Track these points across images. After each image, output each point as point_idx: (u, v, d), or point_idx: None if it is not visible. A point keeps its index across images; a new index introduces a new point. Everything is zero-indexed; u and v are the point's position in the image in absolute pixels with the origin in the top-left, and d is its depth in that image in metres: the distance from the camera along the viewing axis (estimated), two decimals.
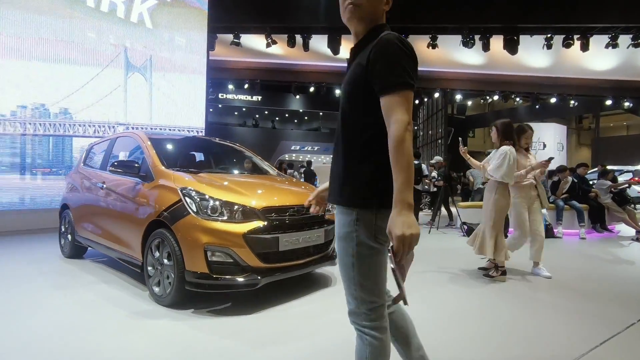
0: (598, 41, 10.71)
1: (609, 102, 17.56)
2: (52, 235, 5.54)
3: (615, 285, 3.78)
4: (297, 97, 22.51)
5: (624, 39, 10.65)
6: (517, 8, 10.25)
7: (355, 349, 1.31)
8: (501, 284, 3.74)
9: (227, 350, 2.23)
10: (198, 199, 2.74)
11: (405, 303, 1.16)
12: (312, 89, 16.66)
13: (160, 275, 2.89)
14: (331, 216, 3.50)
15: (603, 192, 7.59)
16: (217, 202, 2.75)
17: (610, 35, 10.49)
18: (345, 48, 12.67)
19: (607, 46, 10.71)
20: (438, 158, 8.41)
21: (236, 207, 2.76)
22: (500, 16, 10.40)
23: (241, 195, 2.87)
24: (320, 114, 25.61)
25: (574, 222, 7.12)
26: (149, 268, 3.00)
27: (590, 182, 8.11)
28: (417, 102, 22.51)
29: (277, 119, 27.08)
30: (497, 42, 10.88)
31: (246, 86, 17.50)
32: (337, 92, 18.57)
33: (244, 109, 25.70)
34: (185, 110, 8.73)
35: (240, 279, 2.66)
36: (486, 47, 10.91)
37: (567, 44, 10.74)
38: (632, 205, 7.76)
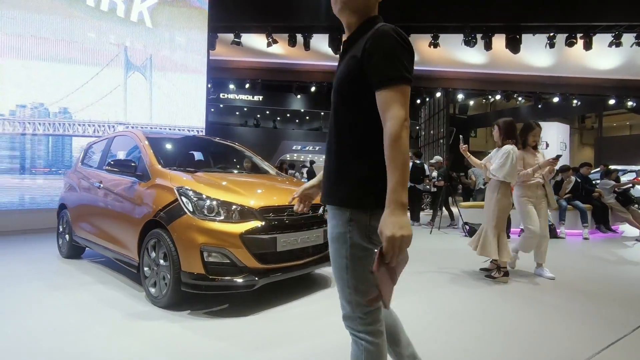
0: (601, 40, 10.62)
1: (612, 102, 17.44)
2: (52, 235, 5.50)
3: (619, 287, 3.72)
4: (299, 96, 22.48)
5: (628, 38, 10.56)
6: (519, 6, 10.18)
7: (350, 355, 1.26)
8: (503, 285, 3.68)
9: (223, 353, 2.19)
10: (194, 199, 2.70)
11: (386, 306, 1.10)
12: (313, 89, 16.61)
13: (156, 276, 2.85)
14: None
15: (607, 192, 7.52)
16: (214, 202, 2.70)
17: (613, 34, 10.40)
18: None
19: (610, 45, 10.62)
20: (438, 158, 8.33)
21: (233, 206, 2.71)
22: (502, 15, 10.33)
23: (238, 195, 2.83)
24: (322, 113, 25.54)
25: (577, 222, 7.04)
26: (145, 269, 2.95)
27: (594, 182, 8.04)
28: (418, 101, 22.43)
29: (278, 118, 27.03)
30: (499, 41, 10.80)
31: (247, 86, 17.48)
32: None
33: (245, 109, 25.66)
34: (185, 109, 8.70)
35: (237, 280, 2.61)
36: (488, 46, 10.84)
37: (570, 43, 10.66)
38: (636, 206, 7.68)
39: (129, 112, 7.85)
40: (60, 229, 4.55)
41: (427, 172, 8.30)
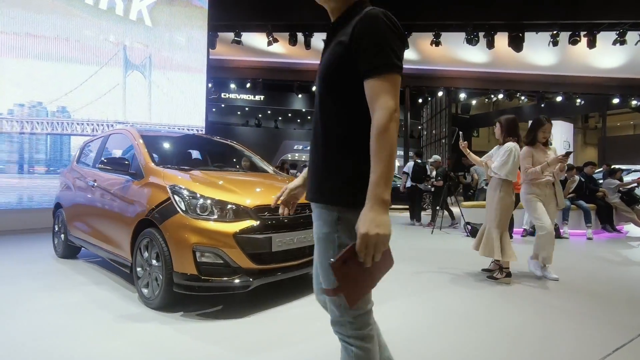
0: (605, 38, 10.50)
1: (616, 101, 17.29)
2: (49, 235, 5.46)
3: (625, 288, 3.62)
4: (300, 96, 22.42)
5: (632, 36, 10.43)
6: (522, 4, 10.08)
7: None
8: (506, 286, 3.59)
9: (216, 356, 2.11)
10: (187, 197, 2.63)
11: (349, 306, 1.04)
12: (314, 88, 16.52)
13: (148, 277, 2.78)
14: None
15: (611, 192, 7.42)
16: (207, 201, 2.63)
17: (618, 32, 10.28)
18: None
19: (614, 43, 10.49)
20: (436, 157, 8.23)
21: (227, 205, 2.64)
22: (505, 13, 10.23)
23: (233, 194, 2.76)
24: None
25: (581, 222, 6.94)
26: (138, 269, 2.89)
27: (598, 182, 7.93)
28: (420, 101, 22.32)
29: (279, 118, 26.99)
30: (501, 40, 10.70)
31: (248, 85, 17.43)
32: None
33: (246, 109, 25.64)
34: (185, 109, 8.64)
35: (231, 281, 2.54)
36: (490, 45, 10.74)
37: (573, 41, 10.54)
38: None
39: (128, 111, 7.80)
40: (56, 229, 4.50)
41: (429, 172, 8.19)
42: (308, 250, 2.96)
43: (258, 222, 2.66)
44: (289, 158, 23.11)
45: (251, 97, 23.73)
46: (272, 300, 2.97)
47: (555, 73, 15.64)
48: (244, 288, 2.57)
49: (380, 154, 0.99)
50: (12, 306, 2.79)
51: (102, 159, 3.23)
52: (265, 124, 25.91)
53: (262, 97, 23.72)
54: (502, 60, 14.14)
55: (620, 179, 7.75)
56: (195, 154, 4.35)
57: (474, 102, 23.64)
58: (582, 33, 10.43)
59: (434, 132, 23.54)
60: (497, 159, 3.68)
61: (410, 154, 9.57)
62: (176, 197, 2.65)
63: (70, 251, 4.28)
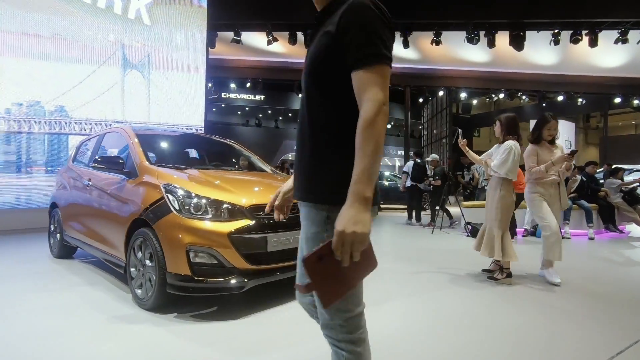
0: (607, 37, 10.43)
1: (617, 100, 17.21)
2: (46, 234, 5.42)
3: (627, 289, 3.57)
4: (300, 96, 22.35)
5: (634, 34, 10.36)
6: (523, 3, 10.01)
7: None
8: (507, 287, 3.54)
9: (210, 359, 2.06)
10: (181, 196, 2.58)
11: (323, 305, 0.98)
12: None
13: (142, 277, 2.73)
14: None
15: (613, 191, 7.36)
16: (202, 200, 2.58)
17: (619, 31, 10.21)
18: None
19: (616, 41, 10.42)
20: (434, 156, 8.16)
21: (222, 205, 2.59)
22: (505, 11, 10.16)
23: (228, 193, 2.71)
24: None
25: (582, 222, 6.88)
26: (132, 269, 2.84)
27: (599, 181, 7.87)
28: (421, 100, 22.26)
29: (280, 118, 26.94)
30: (502, 39, 10.64)
31: (248, 85, 17.38)
32: None
33: (247, 109, 25.61)
34: (184, 108, 8.60)
35: (226, 282, 2.49)
36: (491, 44, 10.67)
37: (575, 40, 10.47)
38: None
39: (127, 110, 7.76)
40: (52, 229, 4.46)
41: (429, 172, 8.13)
42: None
43: (254, 222, 2.62)
44: (290, 158, 23.05)
45: (251, 97, 23.69)
46: (268, 302, 2.92)
47: (556, 72, 15.56)
48: (239, 289, 2.52)
49: (365, 148, 0.94)
50: (4, 307, 2.75)
51: (96, 157, 3.19)
52: (265, 124, 25.87)
53: (262, 96, 23.69)
54: (503, 59, 14.08)
55: (621, 179, 7.69)
56: (193, 153, 4.31)
57: (474, 101, 23.58)
58: (584, 32, 10.36)
59: (434, 131, 23.48)
60: (497, 157, 3.63)
61: (411, 153, 9.51)
62: (170, 196, 2.60)
63: (65, 251, 4.24)
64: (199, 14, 8.87)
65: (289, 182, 1.39)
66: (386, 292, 3.32)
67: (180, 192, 2.61)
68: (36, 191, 6.68)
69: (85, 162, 4.08)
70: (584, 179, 7.26)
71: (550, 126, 3.72)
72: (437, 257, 4.93)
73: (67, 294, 3.06)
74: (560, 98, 17.34)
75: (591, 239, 6.58)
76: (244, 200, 2.69)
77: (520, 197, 5.87)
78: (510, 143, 3.58)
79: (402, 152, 18.66)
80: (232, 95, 23.48)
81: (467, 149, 3.89)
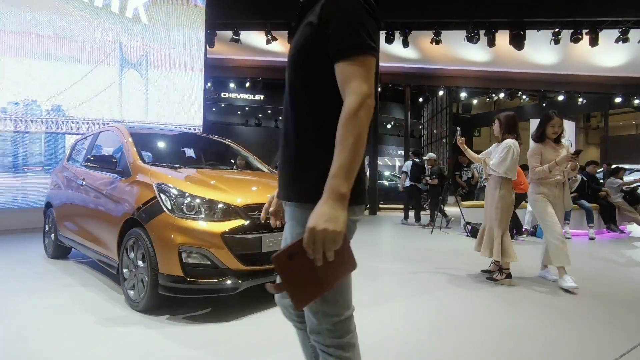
0: (608, 36, 10.38)
1: (618, 100, 17.15)
2: (41, 234, 5.38)
3: (629, 290, 3.52)
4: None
5: (635, 34, 10.31)
6: (523, 2, 9.97)
7: None
8: (506, 288, 3.49)
9: None
10: (173, 196, 2.53)
11: (295, 307, 0.94)
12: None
13: (134, 278, 2.68)
14: None
15: (614, 191, 7.31)
16: (195, 200, 2.53)
17: (620, 30, 10.16)
18: None
19: (617, 41, 10.37)
20: (431, 155, 8.11)
21: (215, 204, 2.54)
22: (505, 10, 10.11)
23: (222, 192, 2.66)
24: None
25: (583, 222, 6.83)
26: (125, 270, 2.79)
27: (600, 181, 7.82)
28: (421, 100, 22.20)
29: (280, 118, 26.85)
30: (502, 38, 10.59)
31: (248, 85, 17.34)
32: None
33: (246, 108, 25.55)
34: (182, 107, 8.55)
35: (219, 283, 2.44)
36: (491, 43, 10.63)
37: (575, 39, 10.42)
38: None
39: (125, 109, 7.71)
40: (46, 229, 4.41)
41: (427, 172, 8.08)
42: None
43: (248, 222, 2.57)
44: None
45: (251, 97, 23.63)
46: (263, 303, 2.87)
47: (556, 72, 15.51)
48: (232, 290, 2.47)
49: (344, 142, 0.89)
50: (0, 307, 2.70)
51: (89, 156, 3.14)
52: (265, 124, 25.80)
53: (262, 96, 23.62)
54: (503, 58, 14.03)
55: (621, 179, 7.64)
56: (189, 152, 4.27)
57: (475, 101, 23.52)
58: (584, 31, 10.30)
59: (434, 131, 23.43)
60: (496, 156, 3.57)
61: (410, 153, 9.45)
62: (162, 196, 2.55)
63: (60, 252, 4.20)
64: (197, 13, 8.82)
65: None
66: (385, 293, 3.28)
67: (173, 192, 2.56)
68: (32, 191, 6.64)
69: (80, 161, 4.03)
70: (585, 179, 7.21)
71: (553, 123, 3.59)
72: (436, 257, 4.88)
73: (58, 295, 3.02)
74: (560, 98, 17.30)
75: (592, 239, 6.53)
76: (239, 199, 2.64)
77: (519, 197, 5.83)
78: (509, 142, 3.52)
79: (402, 152, 18.59)
80: (232, 95, 23.43)
81: (466, 147, 3.84)
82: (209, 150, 4.37)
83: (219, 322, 2.51)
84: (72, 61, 7.02)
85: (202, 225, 2.45)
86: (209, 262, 2.42)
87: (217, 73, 16.42)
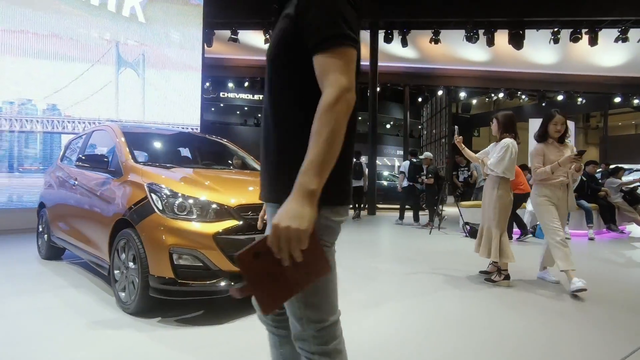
0: (607, 35, 10.35)
1: (617, 100, 17.12)
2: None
3: (629, 292, 3.47)
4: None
5: (635, 33, 10.28)
6: (522, 1, 9.93)
7: None
8: (505, 289, 3.44)
9: None
10: (164, 196, 2.48)
11: (262, 311, 0.90)
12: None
13: (126, 280, 2.63)
14: None
15: (613, 191, 7.26)
16: (186, 200, 2.48)
17: (620, 29, 10.13)
18: None
19: (616, 40, 10.34)
20: (427, 154, 8.07)
21: (207, 204, 2.49)
22: (505, 10, 10.08)
23: (215, 192, 2.61)
24: None
25: (582, 222, 6.78)
26: (116, 272, 2.74)
27: (599, 181, 7.78)
28: (420, 99, 22.17)
29: None
30: (502, 37, 10.56)
31: (246, 84, 17.30)
32: None
33: (245, 108, 25.51)
34: (180, 107, 8.49)
35: (211, 285, 2.39)
36: (490, 42, 10.60)
37: (574, 38, 10.40)
38: None
39: (121, 109, 7.65)
40: (40, 229, 4.36)
41: (425, 171, 8.04)
42: None
43: (241, 222, 2.51)
44: None
45: (250, 97, 23.60)
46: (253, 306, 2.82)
47: (556, 72, 15.49)
48: (225, 292, 2.42)
49: (317, 137, 0.84)
50: None
51: (80, 155, 3.09)
52: None
53: (260, 96, 23.56)
54: (503, 58, 14.00)
55: (620, 179, 7.61)
56: (185, 151, 4.22)
57: (474, 101, 23.48)
58: (584, 30, 10.27)
59: (434, 131, 23.40)
60: (494, 156, 3.52)
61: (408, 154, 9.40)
62: (153, 196, 2.50)
63: (53, 252, 4.14)
64: (194, 12, 8.76)
65: None
66: (383, 294, 3.24)
67: (165, 192, 2.51)
68: (28, 191, 6.58)
69: (73, 161, 3.98)
70: (584, 179, 7.16)
71: (556, 121, 3.44)
72: (435, 257, 4.83)
73: (50, 296, 2.96)
74: (560, 97, 17.28)
75: (591, 239, 6.49)
76: (232, 200, 2.59)
77: (518, 198, 5.79)
78: (508, 141, 3.48)
79: (402, 152, 18.55)
80: (231, 95, 23.39)
81: (463, 146, 3.79)
82: (204, 150, 4.31)
83: (211, 325, 2.46)
84: (68, 60, 6.96)
85: (194, 226, 2.40)
86: (200, 264, 2.37)
87: (216, 73, 16.38)
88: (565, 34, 10.49)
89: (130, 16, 7.78)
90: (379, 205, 11.89)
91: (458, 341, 2.33)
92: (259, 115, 25.81)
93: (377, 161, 12.33)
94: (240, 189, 2.87)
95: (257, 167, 4.07)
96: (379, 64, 11.25)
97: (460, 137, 3.74)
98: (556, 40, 10.64)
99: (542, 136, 3.53)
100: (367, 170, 9.82)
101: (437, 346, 2.26)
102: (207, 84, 17.52)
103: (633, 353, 2.18)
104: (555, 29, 10.44)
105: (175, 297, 2.40)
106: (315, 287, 0.97)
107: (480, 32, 10.54)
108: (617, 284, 3.75)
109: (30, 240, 5.21)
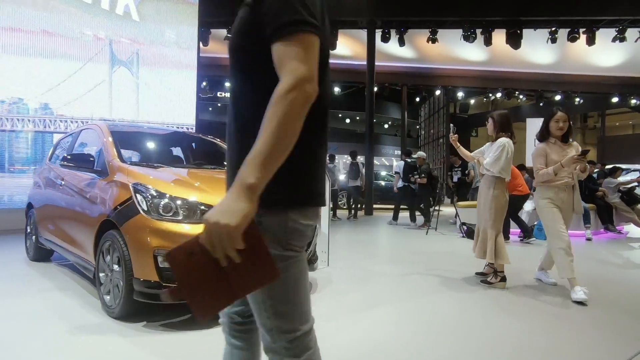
0: (605, 35, 10.32)
1: (615, 100, 17.12)
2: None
3: (628, 294, 3.42)
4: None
5: (632, 33, 10.25)
6: (520, 0, 9.88)
7: None
8: (501, 291, 3.38)
9: None
10: (149, 196, 2.40)
11: (197, 319, 0.82)
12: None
13: (111, 283, 2.56)
14: None
15: (611, 191, 7.22)
16: (173, 200, 2.40)
17: (617, 29, 10.10)
18: (342, 43, 12.33)
19: (614, 40, 10.31)
20: (420, 153, 8.01)
21: (194, 205, 2.41)
22: (502, 9, 10.03)
23: (202, 193, 2.53)
24: None
25: (579, 222, 6.73)
26: (101, 274, 2.66)
27: (597, 182, 7.73)
28: (417, 99, 22.12)
29: None
30: (499, 37, 10.51)
31: None
32: (337, 89, 18.25)
33: None
34: (175, 106, 8.40)
35: None
36: (488, 42, 10.55)
37: (572, 38, 10.36)
38: None
39: (115, 108, 7.56)
40: (28, 230, 4.27)
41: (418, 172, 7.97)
42: None
43: None
44: None
45: None
46: None
47: (554, 72, 15.47)
48: None
49: (265, 127, 0.77)
50: None
51: (65, 155, 3.01)
52: None
53: None
54: (500, 58, 13.96)
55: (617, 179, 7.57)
56: (177, 151, 4.14)
57: (472, 101, 23.43)
58: (581, 30, 10.24)
59: (432, 131, 23.36)
60: (490, 155, 3.46)
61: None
62: (138, 196, 2.42)
63: (41, 254, 4.06)
64: (189, 11, 8.68)
65: None
66: (378, 296, 3.18)
67: (150, 192, 2.43)
68: (19, 191, 6.48)
69: (59, 160, 3.90)
70: (582, 179, 7.12)
71: (557, 118, 3.26)
72: (430, 258, 4.77)
73: (34, 299, 2.88)
74: (557, 97, 17.25)
75: (589, 239, 6.44)
76: (219, 199, 2.50)
77: (518, 200, 5.73)
78: (504, 140, 3.41)
79: (399, 152, 18.51)
80: (228, 94, 23.33)
81: (459, 144, 3.72)
82: (196, 149, 4.23)
83: (198, 330, 2.38)
84: (60, 58, 6.86)
85: (180, 227, 2.32)
86: None
87: (213, 72, 16.29)
88: (562, 33, 10.46)
89: (124, 14, 7.69)
90: (377, 206, 11.83)
91: (454, 345, 2.27)
92: None
93: (375, 161, 12.27)
94: None
95: None
96: (377, 63, 11.19)
97: (456, 135, 3.67)
98: (554, 40, 10.60)
99: (544, 135, 3.35)
100: (364, 168, 9.76)
101: (433, 350, 2.20)
102: (204, 83, 17.42)
103: (634, 357, 2.12)
104: (553, 29, 10.41)
105: (161, 301, 2.32)
106: (285, 295, 0.90)
107: (478, 31, 10.49)
108: (615, 285, 3.69)
109: (20, 241, 5.13)
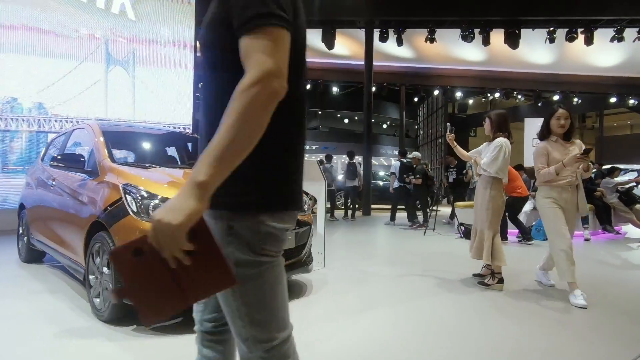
0: (603, 35, 10.30)
1: (613, 100, 17.12)
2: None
3: (628, 295, 3.38)
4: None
5: (630, 33, 10.23)
6: (518, 0, 9.86)
7: None
8: (498, 293, 3.34)
9: None
10: (140, 198, 2.35)
11: (143, 323, 0.80)
12: (308, 87, 16.28)
13: (100, 286, 2.50)
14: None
15: (609, 191, 7.19)
16: (163, 201, 2.36)
17: (615, 29, 10.08)
18: (341, 43, 12.29)
19: (612, 40, 10.29)
20: (415, 154, 7.98)
21: None
22: (500, 9, 10.01)
23: None
24: (319, 112, 25.22)
25: (578, 222, 6.70)
26: (91, 277, 2.61)
27: (595, 182, 7.70)
28: (416, 99, 22.09)
29: None
30: (497, 37, 10.48)
31: None
32: (335, 89, 18.19)
33: None
34: (171, 106, 8.34)
35: None
36: (486, 42, 10.52)
37: (570, 38, 10.34)
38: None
39: (111, 107, 7.50)
40: (20, 231, 4.22)
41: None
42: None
43: None
44: None
45: None
46: None
47: (552, 72, 15.45)
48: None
49: (223, 122, 0.73)
50: None
51: (55, 155, 2.96)
52: None
53: None
54: (499, 58, 13.94)
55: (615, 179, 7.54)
56: (171, 151, 4.09)
57: (470, 101, 23.40)
58: (580, 30, 10.22)
59: (430, 131, 23.34)
60: (487, 155, 3.42)
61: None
62: (128, 197, 2.37)
63: (33, 255, 4.01)
64: (186, 10, 8.62)
65: None
66: (375, 298, 3.14)
67: (140, 193, 2.38)
68: (12, 191, 6.42)
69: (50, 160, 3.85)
70: (585, 178, 7.09)
71: (559, 115, 3.15)
72: (428, 259, 4.73)
73: (23, 302, 2.83)
74: (556, 97, 17.23)
75: (587, 240, 6.41)
76: None
77: (517, 202, 5.70)
78: (501, 140, 3.37)
79: (397, 152, 18.46)
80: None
81: (455, 143, 3.67)
82: (192, 149, 4.19)
83: (189, 334, 2.32)
84: (55, 57, 6.81)
85: None
86: None
87: None
88: (561, 33, 10.44)
89: (119, 13, 7.63)
90: (375, 206, 11.80)
91: (451, 347, 2.23)
92: None
93: (373, 161, 12.23)
94: None
95: None
96: (375, 63, 11.15)
97: (453, 134, 3.63)
98: (552, 40, 10.58)
99: (545, 133, 3.24)
100: (361, 168, 9.73)
101: (430, 352, 2.16)
102: (201, 83, 17.35)
103: None
104: (551, 29, 10.39)
105: None
106: (261, 302, 0.86)
107: (476, 31, 10.46)
108: (614, 287, 3.66)
109: (13, 242, 5.07)
